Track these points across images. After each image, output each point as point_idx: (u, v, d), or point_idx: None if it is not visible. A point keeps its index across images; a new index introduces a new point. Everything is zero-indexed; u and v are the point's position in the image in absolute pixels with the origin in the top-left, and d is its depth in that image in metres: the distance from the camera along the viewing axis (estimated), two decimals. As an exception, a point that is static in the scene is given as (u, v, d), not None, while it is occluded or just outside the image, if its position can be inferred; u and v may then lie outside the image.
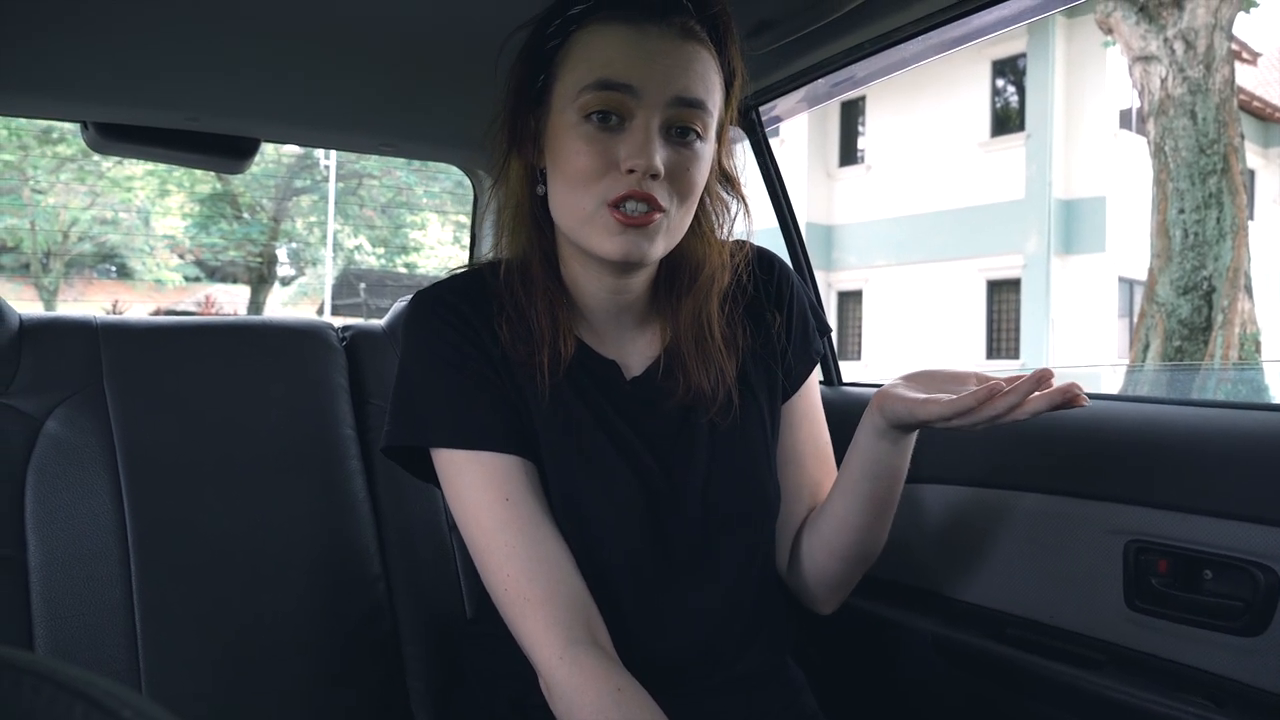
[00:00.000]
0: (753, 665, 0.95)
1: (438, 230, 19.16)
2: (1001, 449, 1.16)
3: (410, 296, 0.91)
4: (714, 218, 0.92)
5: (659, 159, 0.79)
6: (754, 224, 0.96)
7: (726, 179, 0.93)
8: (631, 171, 0.79)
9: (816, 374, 1.03)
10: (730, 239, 0.94)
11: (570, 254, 0.89)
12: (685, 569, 0.90)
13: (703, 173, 0.84)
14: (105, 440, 1.05)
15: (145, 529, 1.05)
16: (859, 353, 16.35)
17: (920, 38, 1.23)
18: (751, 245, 0.98)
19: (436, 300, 0.88)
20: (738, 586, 0.92)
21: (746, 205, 0.94)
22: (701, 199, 0.88)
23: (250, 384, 1.17)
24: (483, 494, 0.83)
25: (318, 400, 1.20)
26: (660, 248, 0.84)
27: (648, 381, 0.92)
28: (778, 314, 0.98)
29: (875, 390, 0.90)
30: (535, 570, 0.81)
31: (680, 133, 0.81)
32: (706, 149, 0.84)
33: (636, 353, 0.94)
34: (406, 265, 19.11)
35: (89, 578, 1.01)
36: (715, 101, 0.84)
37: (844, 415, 1.08)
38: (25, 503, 1.00)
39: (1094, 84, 13.79)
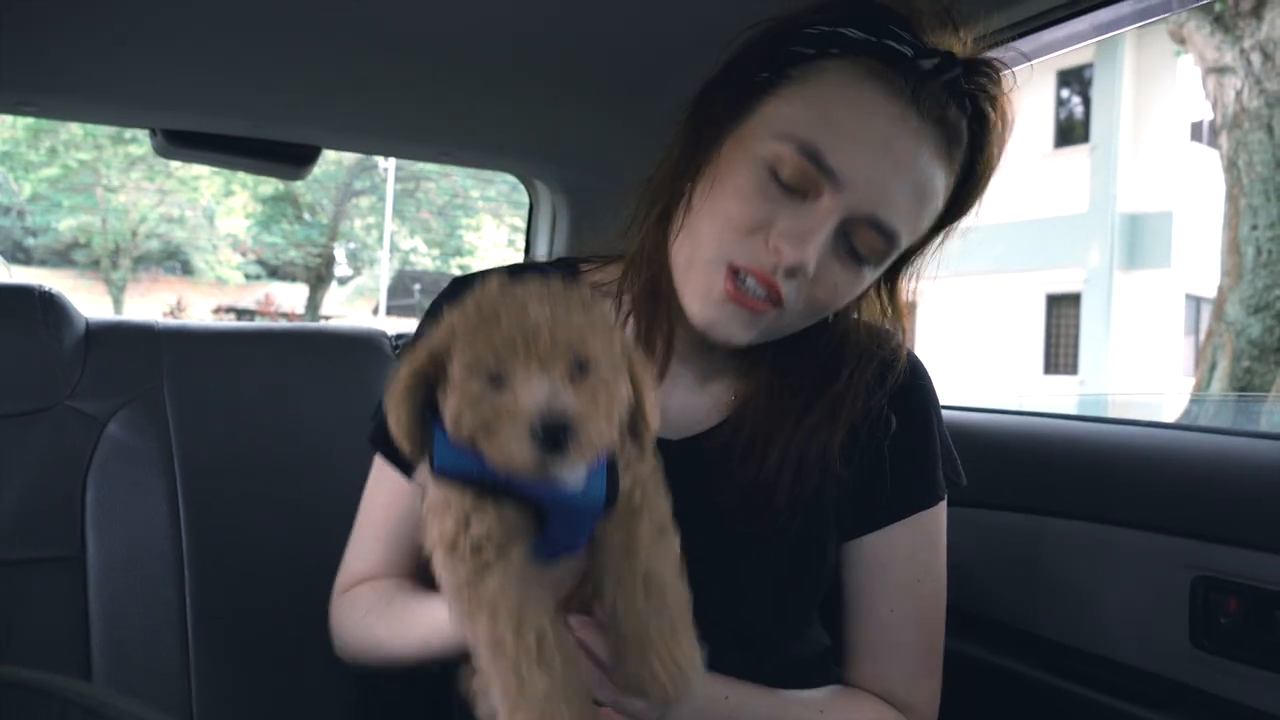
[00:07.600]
0: None
1: (492, 233, 19.35)
2: (1065, 476, 1.13)
3: None
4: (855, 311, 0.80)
5: (813, 261, 0.67)
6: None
7: (893, 303, 0.81)
8: (777, 252, 0.68)
9: (925, 525, 0.83)
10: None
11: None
12: None
13: (851, 297, 0.73)
14: (164, 444, 1.07)
15: (199, 532, 1.07)
16: (913, 365, 16.08)
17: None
18: (906, 348, 0.86)
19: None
20: None
21: (904, 340, 0.82)
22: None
23: (304, 391, 1.18)
24: (374, 487, 0.91)
25: (370, 409, 1.21)
26: (752, 338, 0.73)
27: (695, 449, 0.78)
28: (893, 421, 0.81)
29: None
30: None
31: (851, 252, 0.70)
32: (873, 275, 0.72)
33: (687, 411, 0.80)
34: (461, 267, 19.32)
35: (144, 578, 1.03)
36: (918, 228, 0.71)
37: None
38: (86, 504, 1.02)
39: (1163, 95, 13.43)
